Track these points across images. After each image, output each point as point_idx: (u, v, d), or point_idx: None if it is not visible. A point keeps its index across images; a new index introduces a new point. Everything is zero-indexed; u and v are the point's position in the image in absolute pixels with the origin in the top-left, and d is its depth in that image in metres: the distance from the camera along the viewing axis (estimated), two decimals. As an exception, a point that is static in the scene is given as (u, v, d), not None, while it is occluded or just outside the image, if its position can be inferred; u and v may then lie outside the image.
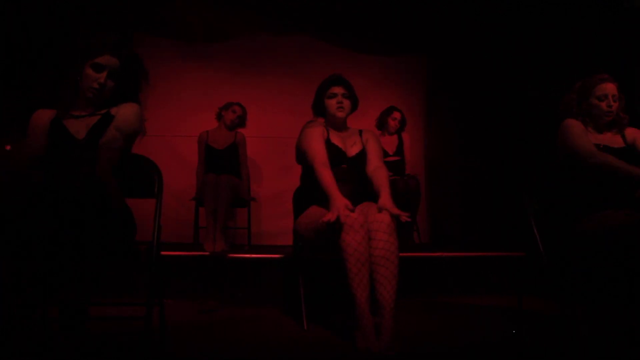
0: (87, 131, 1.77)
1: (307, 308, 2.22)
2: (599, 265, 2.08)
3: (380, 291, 1.86)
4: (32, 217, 1.34)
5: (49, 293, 1.36)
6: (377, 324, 1.83)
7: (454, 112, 5.10)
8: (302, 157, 2.36)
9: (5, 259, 1.33)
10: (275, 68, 5.14)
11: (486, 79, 4.80)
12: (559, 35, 3.90)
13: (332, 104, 2.35)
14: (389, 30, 5.08)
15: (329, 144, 2.32)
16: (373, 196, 2.21)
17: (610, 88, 2.24)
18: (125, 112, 1.80)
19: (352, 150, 2.37)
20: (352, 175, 2.32)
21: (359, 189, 2.30)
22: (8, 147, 3.98)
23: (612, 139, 2.26)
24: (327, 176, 2.14)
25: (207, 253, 3.17)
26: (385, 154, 4.10)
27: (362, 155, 2.37)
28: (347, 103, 2.36)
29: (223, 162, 3.97)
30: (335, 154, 2.31)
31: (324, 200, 2.10)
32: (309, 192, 2.32)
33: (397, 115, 4.22)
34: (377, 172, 2.29)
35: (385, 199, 2.11)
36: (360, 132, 2.46)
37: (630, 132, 2.27)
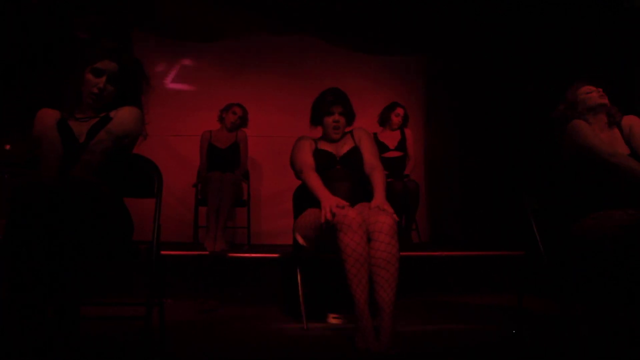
0: (86, 133, 1.78)
1: (306, 307, 2.22)
2: (599, 264, 2.08)
3: (380, 293, 1.86)
4: (26, 219, 1.34)
5: (43, 294, 1.36)
6: (377, 325, 1.82)
7: (454, 112, 5.10)
8: (294, 169, 2.44)
9: (4, 259, 1.33)
10: (275, 67, 5.15)
11: (486, 79, 4.80)
12: (559, 35, 3.90)
13: (328, 122, 2.42)
14: (388, 29, 5.08)
15: (318, 151, 2.39)
16: (372, 195, 2.23)
17: (592, 87, 2.26)
18: (120, 115, 1.80)
19: (343, 150, 2.41)
20: (347, 173, 2.35)
21: (357, 187, 2.32)
22: (8, 147, 3.99)
23: (614, 140, 2.22)
24: (313, 178, 2.23)
25: (207, 252, 3.17)
26: (387, 148, 4.12)
27: (354, 152, 2.40)
28: (342, 121, 2.43)
29: (226, 161, 3.99)
30: (326, 158, 2.37)
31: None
32: (308, 194, 2.32)
33: (400, 111, 4.22)
34: (373, 173, 2.32)
35: (379, 199, 2.15)
36: (351, 132, 2.49)
37: (626, 121, 2.24)
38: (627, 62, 3.28)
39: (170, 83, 5.03)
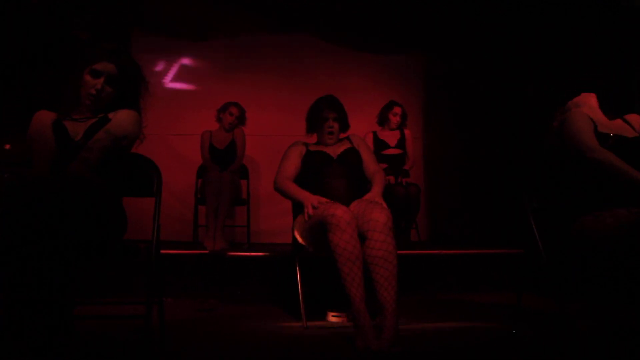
0: (84, 133, 1.78)
1: (306, 306, 2.23)
2: (600, 262, 2.08)
3: (381, 292, 1.84)
4: (15, 214, 1.34)
5: (36, 291, 1.36)
6: (380, 323, 1.81)
7: (453, 110, 5.11)
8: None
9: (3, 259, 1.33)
10: (274, 66, 5.15)
11: (485, 77, 4.80)
12: (558, 34, 3.90)
13: (323, 128, 2.50)
14: (388, 28, 5.08)
15: (312, 153, 2.45)
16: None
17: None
18: (119, 117, 1.82)
19: (339, 151, 2.46)
20: (344, 171, 2.37)
21: (354, 184, 2.33)
22: (8, 147, 3.99)
23: (622, 127, 2.19)
24: (288, 185, 2.35)
25: (206, 251, 3.17)
26: (387, 145, 4.12)
27: (351, 152, 2.46)
28: (337, 127, 2.50)
29: (224, 161, 4.00)
30: (322, 158, 2.42)
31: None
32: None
33: (397, 110, 4.22)
34: (375, 175, 2.41)
35: (374, 192, 2.23)
36: (348, 137, 2.57)
37: (635, 120, 2.23)
38: (626, 61, 3.28)
39: (170, 82, 5.04)
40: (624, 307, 2.37)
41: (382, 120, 4.28)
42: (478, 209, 4.76)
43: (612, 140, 2.10)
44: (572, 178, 2.19)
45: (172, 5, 4.78)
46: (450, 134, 5.12)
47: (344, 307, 2.37)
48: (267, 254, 3.02)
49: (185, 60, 5.10)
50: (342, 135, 2.57)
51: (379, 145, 4.11)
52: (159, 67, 5.01)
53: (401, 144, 4.18)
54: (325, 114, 2.50)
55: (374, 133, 4.21)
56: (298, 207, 2.38)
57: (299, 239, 2.30)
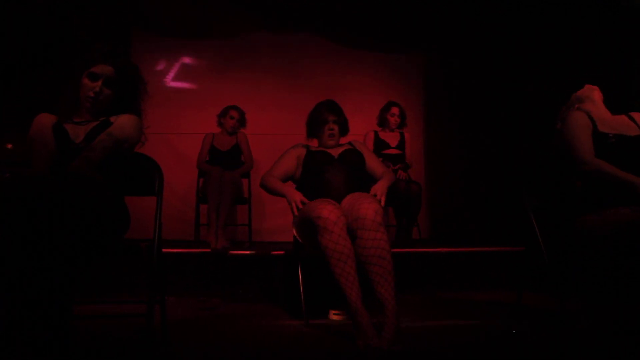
0: (85, 135, 1.80)
1: (307, 304, 2.23)
2: (599, 260, 2.08)
3: (379, 290, 1.83)
4: (14, 212, 1.35)
5: (36, 290, 1.36)
6: (381, 321, 1.80)
7: (453, 109, 5.11)
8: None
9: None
10: (275, 65, 5.15)
11: (485, 76, 4.81)
12: (558, 33, 3.90)
13: (323, 130, 2.52)
14: (388, 28, 5.09)
15: (313, 153, 2.46)
16: (368, 190, 2.27)
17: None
18: (122, 120, 1.83)
19: (339, 151, 2.48)
20: (344, 169, 2.38)
21: (354, 181, 2.34)
22: (9, 146, 4.00)
23: (625, 124, 2.17)
24: (272, 181, 2.40)
25: (208, 250, 3.18)
26: (387, 145, 4.12)
27: (352, 152, 2.48)
28: (337, 129, 2.52)
29: (227, 162, 4.02)
30: (323, 156, 2.43)
31: (323, 195, 2.17)
32: (310, 191, 2.33)
33: (395, 110, 4.21)
34: (384, 174, 2.44)
35: (381, 184, 2.27)
36: (349, 142, 2.59)
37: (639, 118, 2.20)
38: (625, 60, 3.28)
39: (171, 81, 5.04)
40: (625, 306, 2.38)
41: (382, 122, 4.28)
42: (478, 207, 4.77)
43: (613, 140, 2.09)
44: (576, 177, 2.20)
45: (172, 5, 4.79)
46: (451, 133, 5.13)
47: (345, 306, 2.38)
48: (268, 252, 3.03)
49: (186, 60, 5.10)
50: (342, 141, 2.58)
51: (380, 144, 4.11)
52: (160, 66, 5.01)
53: (401, 145, 4.19)
54: (325, 116, 2.52)
55: (375, 132, 4.21)
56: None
57: (298, 238, 2.31)
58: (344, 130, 2.58)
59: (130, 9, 4.70)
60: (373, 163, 2.52)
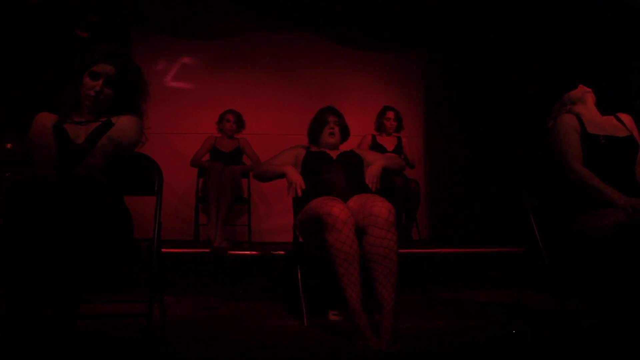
0: (86, 136, 1.80)
1: (307, 304, 2.23)
2: (598, 261, 2.08)
3: (380, 289, 1.82)
4: (21, 215, 1.35)
5: (41, 292, 1.36)
6: (378, 321, 1.80)
7: (453, 109, 5.11)
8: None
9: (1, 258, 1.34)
10: (275, 65, 5.16)
11: (485, 76, 4.81)
12: (558, 33, 3.90)
13: (324, 130, 2.54)
14: (388, 28, 5.09)
15: (312, 154, 2.48)
16: (369, 189, 2.28)
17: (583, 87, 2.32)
18: (122, 122, 1.83)
19: (339, 152, 2.50)
20: (344, 168, 2.38)
21: (354, 181, 2.34)
22: (9, 146, 4.00)
23: (614, 125, 2.22)
24: (270, 165, 2.42)
25: (208, 250, 3.18)
26: (384, 150, 4.14)
27: (351, 153, 2.51)
28: (337, 130, 2.55)
29: (228, 161, 4.03)
30: (322, 157, 2.44)
31: (323, 194, 2.15)
32: (309, 190, 2.33)
33: (390, 114, 4.23)
34: (377, 159, 2.47)
35: (372, 168, 2.32)
36: (352, 150, 2.61)
37: (627, 120, 2.26)
38: (625, 60, 3.28)
39: (171, 81, 5.04)
40: (624, 305, 2.38)
41: (379, 127, 4.30)
42: (478, 207, 4.76)
43: (603, 141, 2.14)
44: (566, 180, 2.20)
45: (172, 5, 4.79)
46: (450, 134, 5.13)
47: (345, 306, 2.38)
48: (268, 252, 3.03)
49: (186, 60, 5.10)
50: (344, 148, 2.60)
51: (376, 148, 4.13)
52: (160, 66, 5.01)
53: (398, 149, 4.20)
54: (326, 116, 2.56)
55: (373, 136, 4.24)
56: (299, 206, 2.39)
57: (301, 238, 2.30)
58: (344, 134, 2.60)
59: (130, 9, 4.70)
60: (370, 157, 2.53)
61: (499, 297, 2.92)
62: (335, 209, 1.89)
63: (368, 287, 1.87)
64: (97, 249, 1.54)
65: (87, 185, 1.54)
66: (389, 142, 4.21)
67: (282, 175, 2.32)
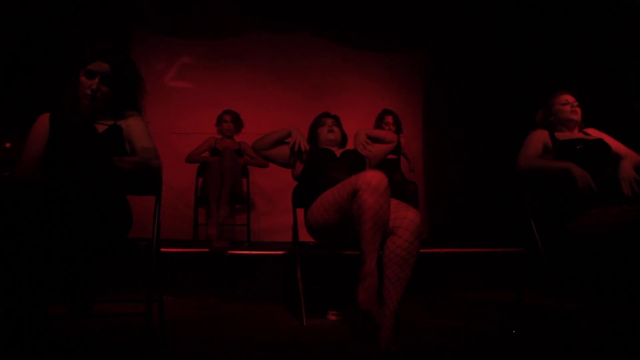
0: (94, 138, 1.81)
1: (306, 305, 2.23)
2: (596, 260, 2.09)
3: (389, 289, 1.81)
4: (27, 216, 1.35)
5: (38, 291, 1.36)
6: (379, 321, 1.78)
7: (453, 109, 5.11)
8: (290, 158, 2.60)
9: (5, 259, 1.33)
10: (275, 65, 5.16)
11: (485, 77, 4.81)
12: (558, 33, 3.90)
13: (323, 130, 2.62)
14: (388, 28, 5.09)
15: (314, 151, 2.51)
16: None
17: (570, 97, 2.47)
18: (139, 135, 1.87)
19: (341, 151, 2.53)
20: (347, 166, 2.37)
21: None
22: (8, 145, 4.00)
23: (582, 135, 2.43)
24: (268, 134, 2.58)
25: (207, 250, 3.18)
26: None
27: (353, 151, 2.52)
28: (337, 130, 2.64)
29: None
30: (325, 153, 2.47)
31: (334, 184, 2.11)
32: (313, 187, 2.32)
33: (389, 119, 4.22)
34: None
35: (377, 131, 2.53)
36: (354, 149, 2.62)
37: (593, 131, 2.47)
38: (624, 60, 3.28)
39: (170, 81, 5.04)
40: (622, 303, 2.38)
41: None
42: (478, 207, 4.76)
43: (579, 146, 2.31)
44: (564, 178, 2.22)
45: (172, 5, 4.79)
46: (450, 134, 5.13)
47: (344, 306, 2.38)
48: (267, 252, 3.02)
49: (186, 59, 5.10)
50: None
51: None
52: (159, 66, 5.01)
53: (396, 151, 4.20)
54: (324, 118, 2.65)
55: None
56: (301, 204, 2.39)
57: (315, 222, 2.20)
58: (343, 137, 2.67)
59: (130, 8, 4.70)
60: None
61: (499, 296, 2.92)
62: (379, 174, 1.84)
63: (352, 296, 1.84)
64: (92, 247, 1.53)
65: (82, 182, 1.54)
66: None
67: (285, 137, 2.50)
